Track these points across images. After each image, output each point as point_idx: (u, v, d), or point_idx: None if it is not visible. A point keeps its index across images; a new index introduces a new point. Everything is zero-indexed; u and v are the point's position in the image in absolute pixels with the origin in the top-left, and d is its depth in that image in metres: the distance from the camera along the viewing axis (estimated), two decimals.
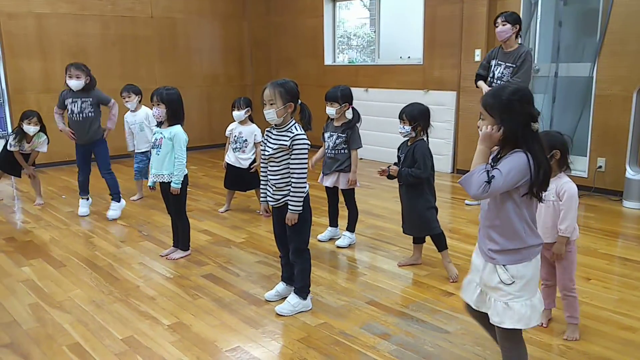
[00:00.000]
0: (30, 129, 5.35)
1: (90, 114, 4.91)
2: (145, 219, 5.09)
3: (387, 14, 8.10)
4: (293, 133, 2.99)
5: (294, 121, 3.05)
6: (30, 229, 4.85)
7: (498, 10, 6.13)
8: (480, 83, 4.99)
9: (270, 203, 3.16)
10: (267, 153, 3.07)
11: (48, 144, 5.59)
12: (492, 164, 2.05)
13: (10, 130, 7.34)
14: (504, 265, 2.09)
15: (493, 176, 1.95)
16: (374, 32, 8.28)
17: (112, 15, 8.00)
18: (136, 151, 5.71)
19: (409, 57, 7.68)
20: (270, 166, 3.08)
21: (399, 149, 3.71)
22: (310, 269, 3.22)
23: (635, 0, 5.23)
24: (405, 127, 3.56)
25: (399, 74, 7.46)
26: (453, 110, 6.79)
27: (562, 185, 2.68)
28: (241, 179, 5.16)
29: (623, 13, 5.30)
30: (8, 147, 5.40)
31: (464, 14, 6.48)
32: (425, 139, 3.62)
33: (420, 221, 3.65)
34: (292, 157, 2.99)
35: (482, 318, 2.30)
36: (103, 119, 5.05)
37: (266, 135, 3.13)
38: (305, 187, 3.04)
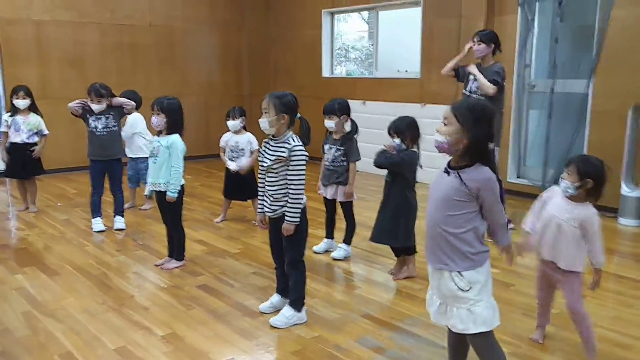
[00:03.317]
0: (19, 102, 5.38)
1: (113, 127, 4.85)
2: (141, 228, 5.07)
3: (385, 28, 8.15)
4: (291, 144, 2.99)
5: (291, 132, 3.05)
6: (25, 237, 4.82)
7: (496, 25, 6.19)
8: (448, 70, 5.17)
9: (267, 214, 3.15)
10: (265, 164, 3.07)
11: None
12: (448, 169, 2.19)
13: None
14: (459, 272, 2.16)
15: None
16: (372, 45, 8.32)
17: (110, 23, 8.02)
18: (129, 156, 5.66)
19: (406, 70, 7.72)
20: (268, 177, 3.08)
21: None
22: (305, 281, 3.21)
23: (631, 17, 5.28)
24: (395, 141, 3.59)
25: (397, 87, 7.49)
26: None
27: (590, 217, 2.60)
28: (241, 189, 5.15)
29: (619, 30, 5.35)
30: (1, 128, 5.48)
31: (461, 28, 6.53)
32: (416, 150, 3.64)
33: (402, 231, 3.70)
34: (290, 168, 2.99)
35: (450, 333, 2.39)
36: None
37: (264, 145, 3.13)
38: (302, 199, 3.04)
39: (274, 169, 3.03)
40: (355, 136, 4.18)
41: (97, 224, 4.95)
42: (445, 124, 2.14)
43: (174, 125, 3.88)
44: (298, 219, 3.03)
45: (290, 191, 3.00)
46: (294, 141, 3.01)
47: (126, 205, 5.53)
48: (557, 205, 2.68)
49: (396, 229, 3.69)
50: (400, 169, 3.62)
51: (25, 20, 7.34)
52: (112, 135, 4.87)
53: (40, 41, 7.49)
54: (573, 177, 2.60)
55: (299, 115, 3.10)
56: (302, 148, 3.01)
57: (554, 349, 2.88)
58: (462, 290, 2.15)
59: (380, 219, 3.78)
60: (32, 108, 5.53)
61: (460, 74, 5.18)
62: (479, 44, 4.85)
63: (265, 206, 3.15)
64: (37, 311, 3.29)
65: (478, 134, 2.10)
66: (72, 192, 6.58)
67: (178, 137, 3.90)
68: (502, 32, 6.15)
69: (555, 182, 5.94)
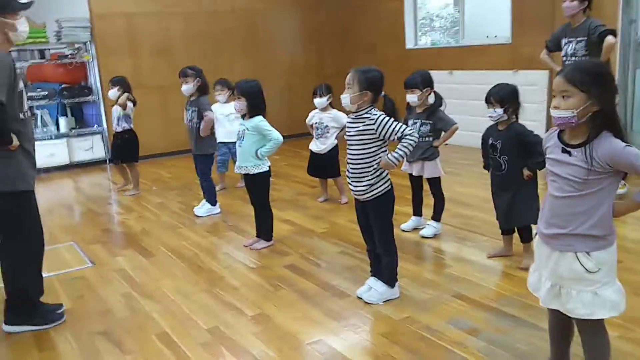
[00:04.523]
0: (109, 93, 5.84)
1: (196, 124, 4.83)
2: (230, 209, 5.17)
3: None
4: (375, 116, 2.89)
5: (372, 106, 2.94)
6: (124, 220, 5.08)
7: None
8: (545, 57, 4.96)
9: (353, 193, 3.07)
10: (346, 139, 3.01)
11: (134, 106, 5.86)
12: (567, 148, 1.95)
13: (105, 125, 7.75)
14: (587, 253, 1.95)
15: None
16: (458, 11, 7.94)
17: (194, 11, 8.22)
18: (218, 141, 5.76)
19: (495, 36, 7.30)
20: (349, 151, 3.00)
21: (487, 135, 3.46)
22: (397, 261, 3.13)
23: None
24: (496, 110, 3.30)
25: (486, 55, 7.11)
26: (545, 91, 6.38)
27: None
28: (322, 166, 5.12)
29: None
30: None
31: None
32: (516, 120, 3.37)
33: (531, 210, 3.27)
34: (389, 133, 2.87)
35: (554, 314, 2.18)
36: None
37: (347, 121, 3.07)
38: (412, 145, 2.91)
39: (358, 139, 2.94)
40: (441, 108, 3.98)
41: (197, 208, 5.06)
42: (564, 97, 1.89)
43: (256, 107, 3.88)
44: (397, 163, 2.93)
45: (406, 140, 2.87)
46: (377, 112, 2.91)
47: (217, 187, 5.66)
48: None
49: (529, 210, 3.31)
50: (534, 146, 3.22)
51: (116, 14, 7.68)
52: (191, 131, 4.91)
53: (130, 33, 7.82)
54: None
55: (383, 93, 2.99)
56: (385, 115, 2.91)
57: None
58: (589, 272, 1.95)
59: (510, 205, 3.43)
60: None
61: (552, 46, 4.87)
62: (572, 1, 4.50)
63: (350, 187, 3.08)
64: (135, 292, 3.45)
65: (607, 96, 1.89)
66: (167, 176, 6.86)
67: (260, 118, 3.90)
68: None
69: None
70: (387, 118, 2.89)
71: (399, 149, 2.90)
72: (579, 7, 4.53)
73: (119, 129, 5.84)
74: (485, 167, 3.58)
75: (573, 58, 4.68)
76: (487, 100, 3.35)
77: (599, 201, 1.93)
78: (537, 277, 2.16)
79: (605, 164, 1.87)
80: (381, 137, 2.90)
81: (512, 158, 3.33)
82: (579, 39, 4.59)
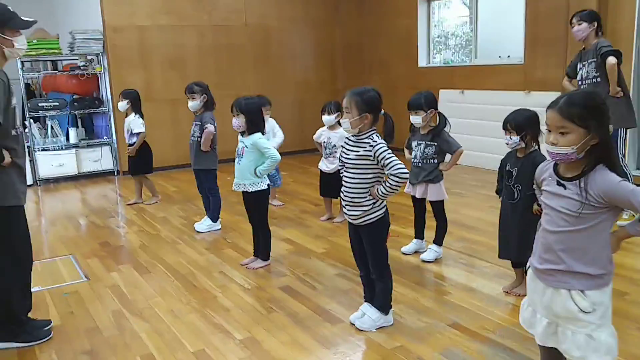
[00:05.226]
0: (118, 105, 5.88)
1: (197, 138, 4.84)
2: (231, 225, 5.11)
3: (486, 12, 7.67)
4: (375, 142, 2.80)
5: (374, 130, 2.87)
6: (124, 234, 5.04)
7: (610, 2, 5.58)
8: (566, 84, 4.92)
9: (347, 219, 2.99)
10: (344, 161, 2.92)
11: (142, 124, 5.81)
12: (562, 181, 1.89)
13: (114, 137, 7.78)
14: (581, 291, 1.85)
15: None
16: (472, 30, 7.87)
17: (208, 25, 8.25)
18: None
19: (508, 56, 7.20)
20: (346, 176, 2.92)
21: (505, 161, 3.30)
22: (392, 287, 3.04)
23: None
24: (512, 137, 3.15)
25: (498, 74, 7.01)
26: None
27: None
28: (331, 185, 5.03)
29: None
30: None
31: (570, 7, 5.94)
32: (537, 147, 3.21)
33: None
34: (385, 163, 2.77)
35: (547, 352, 2.07)
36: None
37: (345, 142, 2.97)
38: (399, 186, 2.81)
39: (356, 164, 2.85)
40: (445, 130, 3.88)
41: (198, 224, 5.03)
42: (562, 133, 1.82)
43: (255, 124, 3.83)
44: (383, 199, 2.85)
45: (394, 179, 2.76)
46: (378, 139, 2.82)
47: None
48: None
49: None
50: None
51: (130, 27, 7.73)
52: (191, 145, 4.91)
53: (143, 46, 7.86)
54: None
55: (382, 111, 2.91)
56: (385, 145, 2.82)
57: None
58: (583, 312, 1.86)
59: (516, 236, 3.26)
60: (135, 109, 5.80)
61: (572, 72, 4.84)
62: (579, 24, 4.50)
63: (344, 211, 2.99)
64: (126, 310, 3.39)
65: (603, 128, 1.82)
66: (172, 189, 6.83)
67: (259, 135, 3.85)
68: (619, 10, 5.57)
69: None
70: (386, 149, 2.79)
71: (387, 187, 2.81)
72: (588, 30, 4.51)
73: (128, 142, 5.87)
74: (497, 192, 3.45)
75: (587, 81, 4.62)
76: (504, 127, 3.20)
77: (593, 237, 1.84)
78: (531, 313, 2.07)
79: (600, 198, 1.80)
80: (379, 165, 2.83)
81: (525, 188, 3.13)
82: (589, 61, 4.56)
